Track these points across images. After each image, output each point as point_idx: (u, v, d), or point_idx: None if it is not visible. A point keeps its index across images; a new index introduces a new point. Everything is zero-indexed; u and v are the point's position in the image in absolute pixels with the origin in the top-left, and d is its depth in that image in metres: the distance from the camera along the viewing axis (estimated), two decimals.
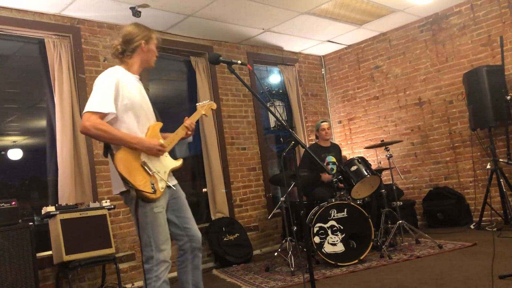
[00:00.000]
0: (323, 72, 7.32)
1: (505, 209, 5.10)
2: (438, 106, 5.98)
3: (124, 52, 2.62)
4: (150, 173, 2.40)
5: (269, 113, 6.32)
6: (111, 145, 2.39)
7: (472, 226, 5.33)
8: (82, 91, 4.48)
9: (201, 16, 4.97)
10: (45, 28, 4.34)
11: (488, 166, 5.16)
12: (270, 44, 6.34)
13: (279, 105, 6.64)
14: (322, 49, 6.98)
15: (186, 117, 2.76)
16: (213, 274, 4.71)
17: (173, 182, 2.62)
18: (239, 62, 2.55)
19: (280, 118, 2.65)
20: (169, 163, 2.58)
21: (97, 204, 4.03)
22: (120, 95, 2.44)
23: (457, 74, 5.74)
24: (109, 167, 4.59)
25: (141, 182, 2.34)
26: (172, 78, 5.86)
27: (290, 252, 4.25)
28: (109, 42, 4.81)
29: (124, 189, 2.38)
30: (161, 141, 2.55)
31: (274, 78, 6.81)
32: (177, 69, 5.80)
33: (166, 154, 2.58)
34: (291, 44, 6.46)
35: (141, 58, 2.65)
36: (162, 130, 2.67)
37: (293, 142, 2.61)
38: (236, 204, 5.66)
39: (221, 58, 2.52)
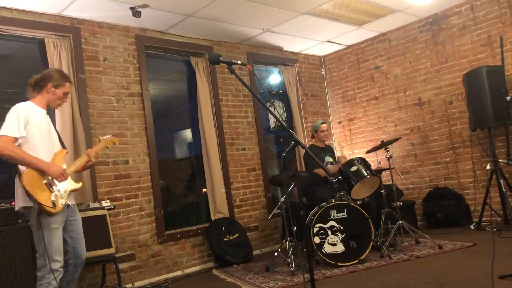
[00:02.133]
0: (323, 73, 7.32)
1: (505, 209, 5.11)
2: (438, 106, 5.98)
3: (35, 87, 3.03)
4: (52, 190, 2.82)
5: (269, 113, 6.32)
6: (17, 165, 2.77)
7: (472, 227, 5.33)
8: (82, 91, 4.48)
9: (201, 16, 4.97)
10: (45, 28, 4.35)
11: (488, 167, 5.16)
12: (270, 44, 6.34)
13: (279, 105, 6.64)
14: (322, 50, 6.99)
15: (89, 149, 3.27)
16: (213, 274, 4.72)
17: (72, 201, 3.04)
18: (239, 62, 2.55)
19: (280, 119, 2.65)
20: (70, 184, 3.00)
21: (97, 204, 4.04)
22: (29, 123, 2.87)
23: (457, 75, 5.74)
24: (109, 167, 4.62)
25: (43, 198, 2.74)
26: (172, 78, 5.86)
27: (290, 252, 4.25)
28: (109, 42, 4.81)
29: (27, 204, 2.75)
30: (64, 166, 2.97)
31: (274, 78, 6.81)
32: (177, 69, 5.80)
33: (69, 176, 2.99)
34: (291, 44, 6.46)
35: (47, 98, 3.05)
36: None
37: (293, 143, 2.62)
38: (236, 204, 5.66)
39: (221, 58, 2.52)
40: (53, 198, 2.80)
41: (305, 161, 5.33)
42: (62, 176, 2.86)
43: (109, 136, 3.42)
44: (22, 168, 2.78)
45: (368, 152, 5.10)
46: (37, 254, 2.82)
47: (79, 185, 3.08)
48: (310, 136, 5.90)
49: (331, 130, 7.17)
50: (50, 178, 2.83)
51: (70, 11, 4.43)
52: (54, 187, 2.84)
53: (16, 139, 2.79)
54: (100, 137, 3.40)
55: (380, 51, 6.57)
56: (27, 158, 2.77)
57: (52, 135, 3.04)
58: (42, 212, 2.74)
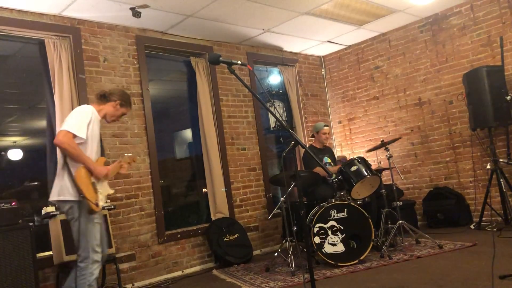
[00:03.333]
0: (323, 73, 7.32)
1: (505, 209, 5.11)
2: (438, 106, 5.98)
3: (102, 97, 3.30)
4: (96, 191, 3.02)
5: (269, 113, 6.32)
6: (68, 161, 2.97)
7: (472, 226, 5.33)
8: (82, 91, 4.48)
9: (201, 16, 4.97)
10: (45, 29, 4.35)
11: (488, 166, 5.16)
12: (270, 45, 6.34)
13: (279, 105, 6.64)
14: (322, 50, 6.99)
15: (121, 159, 3.46)
16: (213, 274, 4.72)
17: (105, 205, 3.36)
18: (239, 62, 2.55)
19: (280, 119, 2.65)
20: (107, 188, 3.23)
21: None
22: (91, 126, 3.10)
23: (457, 75, 5.74)
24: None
25: (90, 196, 2.95)
26: (172, 79, 5.86)
27: (290, 252, 4.25)
28: (109, 42, 4.82)
29: (73, 198, 2.93)
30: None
31: (274, 78, 6.81)
32: (177, 70, 5.80)
33: (106, 181, 3.22)
34: (291, 44, 6.46)
35: (108, 111, 3.31)
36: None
37: (293, 143, 2.62)
38: (236, 204, 5.66)
39: (221, 58, 2.52)
40: (96, 198, 3.00)
41: (305, 161, 5.33)
42: (106, 178, 3.14)
43: (130, 154, 3.74)
44: (72, 164, 2.96)
45: (368, 151, 5.09)
46: (79, 247, 2.97)
47: (112, 191, 3.31)
48: (311, 136, 5.91)
49: (331, 130, 7.17)
50: (95, 179, 3.05)
51: (70, 12, 4.43)
52: (98, 188, 3.05)
53: (75, 137, 2.98)
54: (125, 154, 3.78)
55: (380, 51, 6.57)
56: (82, 156, 2.97)
57: (99, 142, 3.27)
58: (86, 208, 2.93)
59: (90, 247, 2.97)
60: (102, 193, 3.09)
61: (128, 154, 3.62)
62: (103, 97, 3.29)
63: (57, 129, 4.20)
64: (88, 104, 4.48)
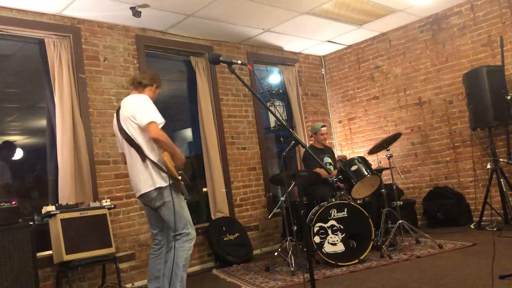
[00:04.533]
0: (323, 72, 7.32)
1: (505, 209, 5.11)
2: (438, 106, 5.98)
3: (139, 84, 3.34)
4: (178, 174, 3.13)
5: (269, 113, 6.31)
6: (144, 150, 3.08)
7: (472, 226, 5.33)
8: (82, 91, 4.48)
9: (201, 16, 4.97)
10: (45, 28, 4.34)
11: (488, 166, 5.16)
12: (270, 44, 6.34)
13: (279, 105, 6.64)
14: (322, 49, 6.98)
15: None
16: (213, 274, 4.72)
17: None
18: (239, 62, 2.55)
19: (280, 118, 2.65)
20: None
21: (97, 204, 4.04)
22: None
23: (457, 74, 5.74)
24: (109, 166, 4.62)
25: (178, 177, 3.10)
26: (172, 78, 5.85)
27: (290, 252, 4.24)
28: (109, 42, 4.81)
29: (163, 184, 3.05)
30: None
31: (274, 78, 6.81)
32: (177, 69, 5.80)
33: None
34: (291, 44, 6.46)
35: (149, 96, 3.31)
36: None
37: (293, 142, 2.62)
38: (236, 203, 5.66)
39: (221, 58, 2.52)
40: (180, 178, 3.13)
41: (305, 161, 5.33)
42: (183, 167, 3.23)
43: None
44: (151, 154, 3.08)
45: (370, 153, 5.05)
46: (178, 227, 3.12)
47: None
48: (310, 136, 5.92)
49: (331, 130, 7.17)
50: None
51: (70, 11, 4.43)
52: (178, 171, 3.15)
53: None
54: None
55: (380, 51, 6.56)
56: (173, 144, 3.12)
57: None
58: (176, 189, 3.10)
59: (188, 224, 3.16)
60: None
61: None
62: (140, 84, 3.32)
63: (58, 129, 4.22)
64: (88, 103, 4.51)
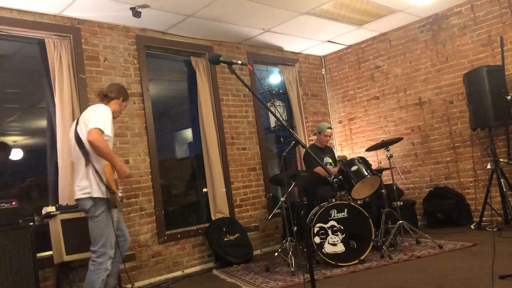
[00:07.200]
0: (323, 72, 7.32)
1: (505, 209, 5.10)
2: (438, 106, 5.98)
3: (105, 97, 3.42)
4: (118, 188, 3.16)
5: (269, 113, 6.32)
6: (91, 158, 3.10)
7: (472, 226, 5.33)
8: (82, 91, 4.48)
9: (201, 16, 4.97)
10: (46, 29, 4.34)
11: (489, 166, 5.16)
12: (270, 44, 6.34)
13: (279, 105, 6.63)
14: (322, 49, 6.98)
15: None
16: (213, 274, 4.72)
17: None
18: (239, 62, 2.55)
19: (280, 118, 2.65)
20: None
21: None
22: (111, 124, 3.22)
23: (457, 74, 5.74)
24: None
25: (116, 191, 3.12)
26: (172, 78, 5.85)
27: (290, 252, 4.25)
28: (109, 42, 4.81)
29: (101, 195, 3.07)
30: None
31: (274, 78, 6.81)
32: (177, 69, 5.80)
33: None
34: (291, 44, 6.46)
35: (114, 108, 3.42)
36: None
37: (293, 142, 2.61)
38: (237, 204, 5.66)
39: (221, 58, 2.52)
40: (119, 194, 3.16)
41: (305, 161, 5.34)
42: (126, 177, 3.24)
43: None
44: (96, 162, 3.10)
45: (368, 150, 5.07)
46: (97, 244, 3.13)
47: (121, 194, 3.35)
48: (313, 133, 5.92)
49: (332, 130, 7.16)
50: (117, 177, 3.19)
51: (70, 11, 4.43)
52: (118, 185, 3.19)
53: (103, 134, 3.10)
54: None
55: (381, 51, 6.56)
56: (111, 153, 3.10)
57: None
58: (110, 204, 3.10)
59: (108, 243, 3.12)
60: (119, 189, 3.19)
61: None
62: (106, 97, 3.40)
63: (58, 129, 4.22)
64: (88, 104, 4.51)
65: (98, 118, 3.11)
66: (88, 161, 3.10)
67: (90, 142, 3.03)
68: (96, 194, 3.07)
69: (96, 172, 3.08)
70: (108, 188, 3.06)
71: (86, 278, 3.12)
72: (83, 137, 3.13)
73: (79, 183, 3.14)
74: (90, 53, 4.64)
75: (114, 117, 3.40)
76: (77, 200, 3.17)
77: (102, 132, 3.06)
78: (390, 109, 6.49)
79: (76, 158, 3.22)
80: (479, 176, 5.61)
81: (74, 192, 3.20)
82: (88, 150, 3.12)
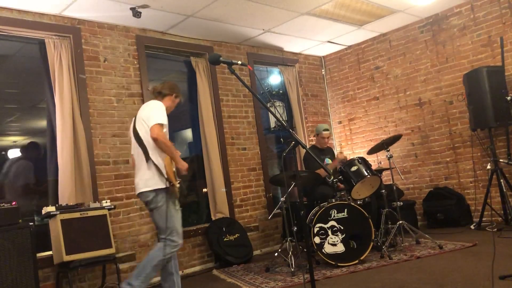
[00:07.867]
0: (323, 73, 7.32)
1: (505, 209, 5.10)
2: (438, 106, 5.98)
3: (159, 94, 3.55)
4: (177, 179, 3.28)
5: (269, 113, 6.33)
6: (149, 151, 3.23)
7: (472, 227, 5.33)
8: (82, 91, 4.48)
9: (201, 16, 4.97)
10: (46, 29, 4.35)
11: (489, 167, 5.16)
12: (270, 45, 6.35)
13: (279, 105, 6.64)
14: (322, 50, 6.99)
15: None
16: (213, 274, 4.72)
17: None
18: (239, 62, 2.55)
19: (280, 119, 2.65)
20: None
21: (97, 204, 4.03)
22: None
23: (457, 75, 5.74)
24: (109, 167, 4.62)
25: (175, 183, 3.24)
26: (172, 79, 5.85)
27: (290, 253, 4.25)
28: (109, 42, 4.82)
29: (162, 186, 3.21)
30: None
31: (274, 78, 6.81)
32: (177, 70, 5.80)
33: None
34: (291, 44, 6.46)
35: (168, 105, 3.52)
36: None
37: (293, 143, 2.61)
38: (236, 204, 5.66)
39: (221, 58, 2.52)
40: (178, 185, 3.28)
41: (305, 162, 5.34)
42: (186, 171, 3.31)
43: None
44: (155, 156, 3.22)
45: (369, 153, 5.06)
46: (164, 232, 3.25)
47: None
48: (313, 135, 5.93)
49: (331, 130, 7.17)
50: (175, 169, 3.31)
51: (71, 12, 4.43)
52: (177, 178, 3.30)
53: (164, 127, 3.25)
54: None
55: (381, 52, 6.57)
56: (173, 148, 3.24)
57: None
58: (172, 194, 3.24)
59: (174, 231, 3.25)
60: (178, 183, 3.30)
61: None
62: (159, 94, 3.53)
63: (58, 129, 4.22)
64: (88, 104, 4.51)
65: (156, 114, 3.23)
66: (148, 157, 3.24)
67: (154, 140, 3.16)
68: (158, 185, 3.21)
69: (156, 166, 3.21)
70: (168, 180, 3.20)
71: (150, 252, 3.27)
72: (141, 133, 3.29)
73: (142, 177, 3.27)
74: (90, 53, 4.64)
75: (167, 113, 3.49)
76: (140, 194, 3.29)
77: (162, 125, 3.19)
78: (390, 109, 6.49)
79: (137, 154, 3.36)
80: (479, 176, 5.61)
81: (136, 185, 3.33)
82: (147, 146, 3.25)
